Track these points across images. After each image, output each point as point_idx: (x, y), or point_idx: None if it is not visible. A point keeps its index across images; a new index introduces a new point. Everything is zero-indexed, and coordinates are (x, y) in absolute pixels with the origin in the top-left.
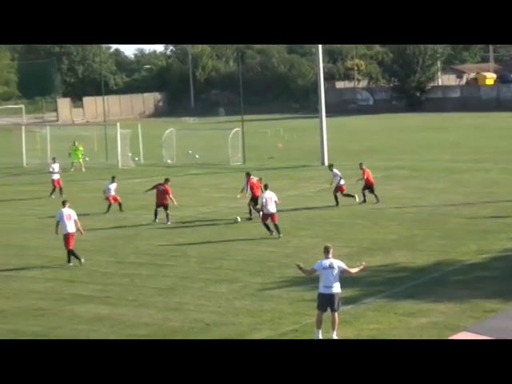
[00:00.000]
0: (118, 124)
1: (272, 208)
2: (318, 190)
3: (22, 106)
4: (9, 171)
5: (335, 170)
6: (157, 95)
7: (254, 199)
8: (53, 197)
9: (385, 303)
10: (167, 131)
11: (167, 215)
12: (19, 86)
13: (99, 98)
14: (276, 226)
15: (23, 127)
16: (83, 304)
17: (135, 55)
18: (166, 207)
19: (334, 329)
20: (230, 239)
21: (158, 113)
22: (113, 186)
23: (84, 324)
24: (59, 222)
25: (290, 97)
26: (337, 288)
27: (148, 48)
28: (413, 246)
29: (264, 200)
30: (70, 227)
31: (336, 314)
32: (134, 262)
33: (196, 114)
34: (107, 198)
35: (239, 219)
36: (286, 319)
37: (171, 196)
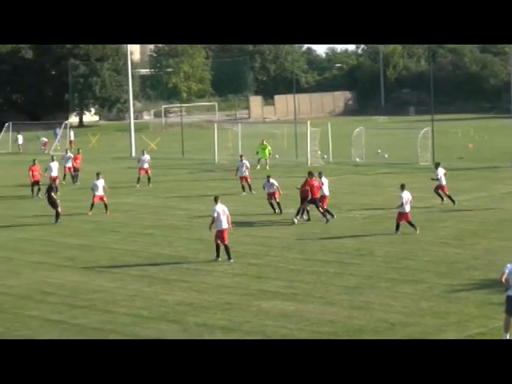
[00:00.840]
0: (309, 122)
1: (408, 208)
2: (509, 192)
3: (215, 103)
4: (201, 167)
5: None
6: (347, 94)
7: (312, 200)
8: (244, 193)
9: None
10: (356, 130)
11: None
12: (213, 83)
13: (290, 96)
14: (410, 223)
15: (216, 124)
16: (270, 300)
17: (326, 54)
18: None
19: None
20: (417, 239)
21: (347, 111)
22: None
23: (270, 319)
24: (215, 218)
25: (481, 96)
26: None
27: (340, 47)
28: None
29: (403, 200)
30: (225, 223)
31: None
32: (321, 260)
33: (386, 113)
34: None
35: (296, 221)
36: (473, 322)
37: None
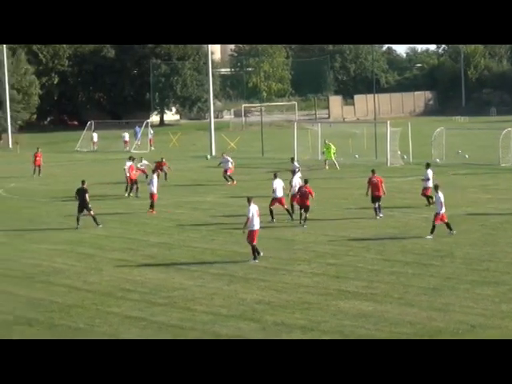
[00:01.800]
0: (388, 122)
1: (443, 209)
2: None
3: (295, 102)
4: (280, 166)
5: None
6: (427, 94)
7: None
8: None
9: None
10: (437, 130)
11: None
12: (293, 83)
13: (370, 96)
14: (447, 224)
15: (295, 124)
16: (348, 300)
17: (407, 54)
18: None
19: None
20: (498, 241)
21: (428, 111)
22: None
23: (348, 320)
24: (250, 218)
25: None
26: None
27: (420, 47)
28: None
29: (441, 200)
30: (257, 224)
31: None
32: (400, 260)
33: (466, 113)
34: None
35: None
36: None
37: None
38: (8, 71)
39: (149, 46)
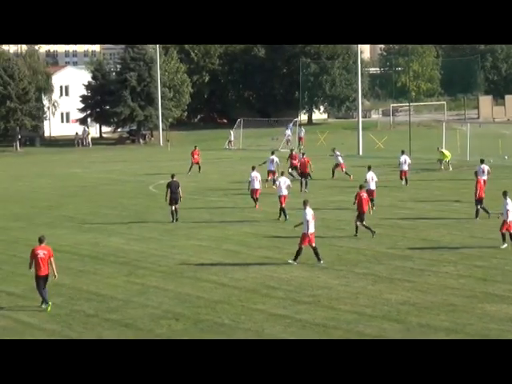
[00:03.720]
0: None
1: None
2: None
3: (444, 102)
4: (428, 166)
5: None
6: None
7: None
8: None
9: None
10: None
11: None
12: (442, 82)
13: None
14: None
15: (444, 124)
16: (495, 303)
17: None
18: None
19: None
20: None
21: None
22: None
23: (494, 323)
24: (308, 221)
25: None
26: None
27: None
28: None
29: (508, 207)
30: (312, 227)
31: None
32: None
33: None
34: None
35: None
36: None
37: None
38: (160, 69)
39: (298, 46)
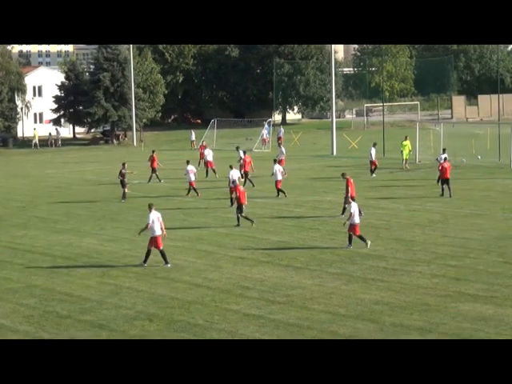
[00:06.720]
0: None
1: None
2: None
3: (418, 102)
4: (398, 166)
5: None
6: None
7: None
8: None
9: None
10: None
11: None
12: (416, 83)
13: (494, 97)
14: None
15: (417, 123)
16: (468, 302)
17: None
18: None
19: None
20: None
21: None
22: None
23: (468, 322)
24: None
25: None
26: None
27: None
28: None
29: None
30: (158, 229)
31: None
32: None
33: None
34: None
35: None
36: None
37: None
38: (134, 70)
39: (272, 46)
